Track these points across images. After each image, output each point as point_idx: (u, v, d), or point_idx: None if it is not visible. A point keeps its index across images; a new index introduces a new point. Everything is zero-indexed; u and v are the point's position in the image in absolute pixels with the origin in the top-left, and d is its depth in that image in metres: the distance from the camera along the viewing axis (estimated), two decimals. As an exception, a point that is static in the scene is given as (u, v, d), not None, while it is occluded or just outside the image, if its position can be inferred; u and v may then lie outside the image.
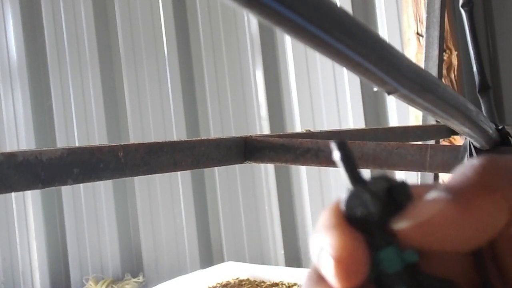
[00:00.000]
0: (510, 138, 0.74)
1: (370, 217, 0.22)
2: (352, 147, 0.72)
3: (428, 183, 0.26)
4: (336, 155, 0.23)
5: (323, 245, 0.22)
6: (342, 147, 0.23)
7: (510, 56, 1.79)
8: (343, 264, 0.21)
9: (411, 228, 0.21)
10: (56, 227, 2.57)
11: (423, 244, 0.21)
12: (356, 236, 0.22)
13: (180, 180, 2.26)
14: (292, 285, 1.77)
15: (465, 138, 0.72)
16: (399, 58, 0.31)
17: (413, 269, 0.22)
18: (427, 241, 0.21)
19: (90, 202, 2.46)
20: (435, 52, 1.34)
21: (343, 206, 0.22)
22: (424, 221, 0.21)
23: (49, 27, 2.54)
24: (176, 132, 2.26)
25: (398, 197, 0.22)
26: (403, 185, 0.22)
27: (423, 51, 1.38)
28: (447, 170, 0.74)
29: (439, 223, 0.21)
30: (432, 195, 0.22)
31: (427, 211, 0.21)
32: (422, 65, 1.34)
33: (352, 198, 0.22)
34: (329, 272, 0.22)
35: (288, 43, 2.05)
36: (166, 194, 2.30)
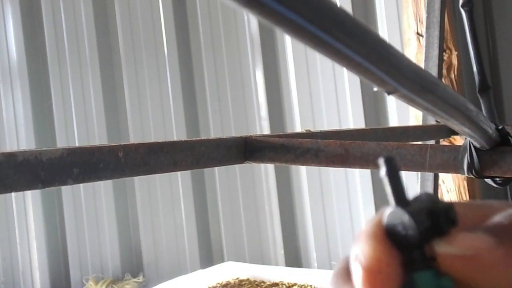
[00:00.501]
0: (510, 138, 0.74)
1: (410, 239, 0.22)
2: (352, 147, 0.72)
3: (472, 203, 0.26)
4: (383, 170, 0.23)
5: (358, 252, 0.23)
6: (389, 163, 0.23)
7: (510, 56, 1.79)
8: (372, 275, 0.22)
9: (457, 257, 0.22)
10: (56, 227, 2.57)
11: (464, 276, 0.22)
12: (392, 253, 0.22)
13: (180, 180, 2.26)
14: (292, 285, 1.77)
15: (465, 138, 0.72)
16: (399, 58, 0.31)
17: None
18: (469, 274, 0.22)
19: (90, 202, 2.46)
20: (435, 52, 1.34)
21: (384, 222, 0.23)
22: (473, 254, 0.22)
23: (49, 27, 2.54)
24: (176, 132, 2.26)
25: (441, 221, 0.22)
26: (447, 208, 0.22)
27: (423, 51, 1.38)
28: (447, 170, 0.74)
29: (486, 261, 0.22)
30: (479, 232, 0.22)
31: (476, 245, 0.22)
32: (422, 65, 1.34)
33: (392, 218, 0.22)
34: (358, 279, 0.22)
35: (288, 43, 2.05)
36: (166, 194, 2.30)
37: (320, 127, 1.97)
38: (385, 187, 0.23)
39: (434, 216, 0.22)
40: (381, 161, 0.23)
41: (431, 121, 1.31)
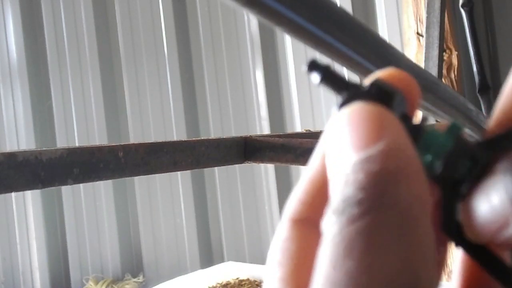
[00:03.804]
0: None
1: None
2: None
3: None
4: (314, 77, 0.20)
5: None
6: (314, 66, 0.20)
7: (510, 56, 1.79)
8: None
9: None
10: (56, 227, 2.57)
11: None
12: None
13: (180, 180, 2.26)
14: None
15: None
16: (399, 58, 0.31)
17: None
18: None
19: (90, 202, 2.46)
20: (435, 52, 1.34)
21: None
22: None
23: (49, 27, 2.54)
24: (176, 132, 2.26)
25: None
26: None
27: (423, 51, 1.38)
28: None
29: None
30: None
31: None
32: (422, 65, 1.34)
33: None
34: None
35: (288, 43, 2.05)
36: (166, 194, 2.30)
37: (320, 127, 1.97)
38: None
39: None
40: (305, 69, 0.20)
41: (431, 121, 1.31)
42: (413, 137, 0.18)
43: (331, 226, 0.16)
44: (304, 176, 0.20)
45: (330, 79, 0.20)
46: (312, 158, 0.20)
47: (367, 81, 0.19)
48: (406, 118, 0.19)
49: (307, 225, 0.19)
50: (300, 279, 0.18)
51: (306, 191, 0.20)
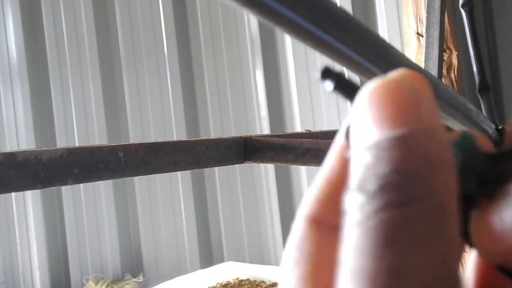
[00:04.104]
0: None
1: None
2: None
3: None
4: (328, 85, 0.19)
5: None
6: (328, 73, 0.19)
7: (510, 56, 1.79)
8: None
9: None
10: (56, 227, 2.57)
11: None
12: None
13: (180, 180, 2.26)
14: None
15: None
16: (399, 58, 0.31)
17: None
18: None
19: (90, 202, 2.46)
20: (435, 52, 1.34)
21: None
22: None
23: (49, 27, 2.54)
24: (176, 132, 2.26)
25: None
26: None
27: (423, 51, 1.38)
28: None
29: None
30: None
31: None
32: (422, 65, 1.34)
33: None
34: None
35: (288, 43, 2.05)
36: (166, 194, 2.30)
37: (320, 127, 1.97)
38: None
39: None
40: (318, 76, 0.20)
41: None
42: None
43: (360, 207, 0.15)
44: (320, 174, 0.19)
45: (344, 86, 0.19)
46: (328, 155, 0.19)
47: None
48: None
49: (324, 225, 0.19)
50: (318, 278, 0.18)
51: (323, 190, 0.19)
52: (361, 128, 0.16)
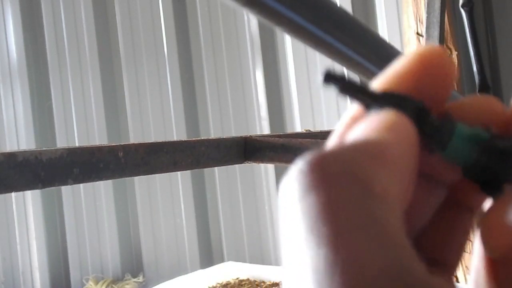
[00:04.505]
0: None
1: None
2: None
3: None
4: (336, 88, 0.21)
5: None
6: (330, 77, 0.21)
7: (510, 56, 1.79)
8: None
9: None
10: (56, 227, 2.57)
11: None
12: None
13: (180, 180, 2.26)
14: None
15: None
16: (399, 58, 0.31)
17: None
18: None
19: (90, 202, 2.46)
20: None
21: None
22: None
23: (49, 27, 2.54)
24: (176, 132, 2.26)
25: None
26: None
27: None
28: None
29: None
30: None
31: None
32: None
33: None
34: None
35: (288, 43, 2.05)
36: (166, 194, 2.30)
37: (320, 127, 1.97)
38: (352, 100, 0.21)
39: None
40: (321, 80, 0.20)
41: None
42: (445, 129, 0.20)
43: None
44: (339, 123, 0.21)
45: (348, 89, 0.20)
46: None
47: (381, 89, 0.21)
48: (424, 114, 0.20)
49: None
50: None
51: (340, 134, 0.21)
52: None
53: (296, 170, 0.18)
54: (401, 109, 0.19)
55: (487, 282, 0.21)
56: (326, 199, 0.16)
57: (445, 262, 0.22)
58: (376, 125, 0.18)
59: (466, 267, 1.29)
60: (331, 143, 0.21)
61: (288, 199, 0.17)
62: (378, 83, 0.21)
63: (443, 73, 0.21)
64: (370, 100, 0.20)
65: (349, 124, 0.21)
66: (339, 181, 0.16)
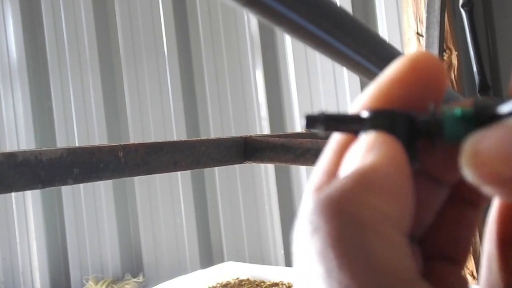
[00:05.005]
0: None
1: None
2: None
3: None
4: (319, 128, 0.21)
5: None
6: (312, 120, 0.21)
7: (510, 56, 1.79)
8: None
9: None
10: (56, 227, 2.57)
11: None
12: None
13: (180, 180, 2.26)
14: (292, 285, 1.77)
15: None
16: (399, 58, 0.31)
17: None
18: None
19: (90, 202, 2.46)
20: (435, 52, 1.34)
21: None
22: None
23: (49, 27, 2.54)
24: (176, 132, 2.26)
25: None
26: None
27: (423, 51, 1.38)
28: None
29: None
30: None
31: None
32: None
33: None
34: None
35: (288, 43, 2.05)
36: (166, 194, 2.30)
37: (320, 127, 1.97)
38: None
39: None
40: (304, 126, 0.21)
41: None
42: (435, 128, 0.20)
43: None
44: (328, 148, 0.22)
45: (332, 124, 0.21)
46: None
47: (364, 110, 0.21)
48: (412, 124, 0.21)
49: None
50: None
51: (330, 161, 0.22)
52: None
53: (305, 212, 0.20)
54: (389, 125, 0.20)
55: (499, 266, 0.21)
56: (329, 237, 0.18)
57: (453, 258, 0.23)
58: (363, 152, 0.20)
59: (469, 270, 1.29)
60: (317, 179, 0.22)
61: (301, 237, 0.20)
62: (371, 92, 0.22)
63: (434, 78, 0.21)
64: (356, 126, 0.21)
65: (335, 155, 0.22)
66: (338, 220, 0.18)
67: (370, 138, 0.20)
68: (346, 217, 0.18)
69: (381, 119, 0.20)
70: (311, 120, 0.21)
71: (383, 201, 0.19)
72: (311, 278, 0.19)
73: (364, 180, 0.19)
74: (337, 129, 0.21)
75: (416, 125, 0.21)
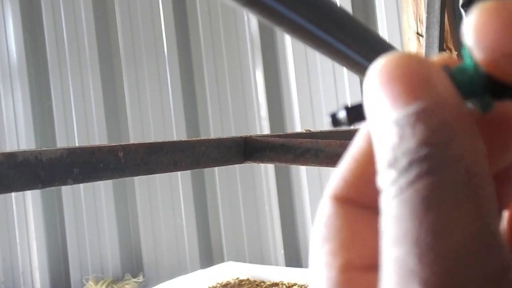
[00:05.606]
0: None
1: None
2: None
3: None
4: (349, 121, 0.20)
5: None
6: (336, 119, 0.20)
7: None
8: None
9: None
10: (56, 227, 2.57)
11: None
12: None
13: (180, 180, 2.26)
14: (292, 285, 1.77)
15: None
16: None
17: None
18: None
19: (90, 202, 2.46)
20: (435, 52, 1.34)
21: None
22: None
23: (49, 27, 2.54)
24: (176, 132, 2.26)
25: None
26: None
27: (423, 51, 1.38)
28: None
29: None
30: None
31: None
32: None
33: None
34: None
35: (288, 43, 2.05)
36: (166, 194, 2.30)
37: (320, 127, 1.97)
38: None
39: None
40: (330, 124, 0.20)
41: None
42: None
43: (393, 183, 0.16)
44: (348, 153, 0.20)
45: (357, 115, 0.20)
46: (357, 135, 0.20)
47: None
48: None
49: (351, 203, 0.20)
50: (349, 253, 0.19)
51: (350, 169, 0.20)
52: (379, 108, 0.17)
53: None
54: None
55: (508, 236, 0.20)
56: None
57: None
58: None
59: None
60: (335, 185, 0.20)
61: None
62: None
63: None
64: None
65: (356, 161, 0.20)
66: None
67: (415, 62, 0.17)
68: (453, 156, 0.16)
69: None
70: (336, 118, 0.20)
71: (476, 139, 0.17)
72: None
73: (449, 112, 0.16)
74: (362, 119, 0.20)
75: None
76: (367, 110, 0.18)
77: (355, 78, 1.91)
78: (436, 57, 0.19)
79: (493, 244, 0.16)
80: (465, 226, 0.15)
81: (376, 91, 0.17)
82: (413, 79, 0.17)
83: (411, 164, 0.16)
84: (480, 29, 0.17)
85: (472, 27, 0.17)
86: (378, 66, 0.17)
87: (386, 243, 0.16)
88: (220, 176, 2.20)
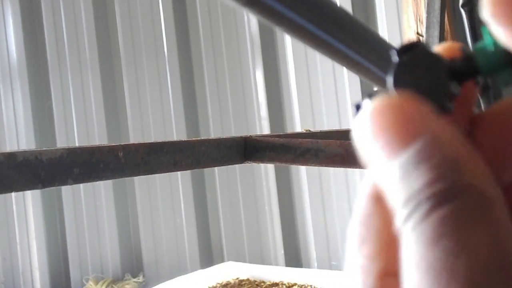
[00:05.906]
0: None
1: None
2: (352, 147, 0.72)
3: None
4: None
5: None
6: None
7: (510, 56, 1.78)
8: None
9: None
10: (56, 227, 2.57)
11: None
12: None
13: (180, 180, 2.26)
14: (292, 285, 1.77)
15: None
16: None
17: None
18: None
19: (90, 202, 2.46)
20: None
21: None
22: None
23: (49, 27, 2.54)
24: (176, 132, 2.26)
25: None
26: None
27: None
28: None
29: None
30: None
31: None
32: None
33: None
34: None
35: (288, 43, 2.05)
36: (166, 194, 2.30)
37: (320, 127, 1.97)
38: None
39: None
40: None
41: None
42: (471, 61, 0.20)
43: (407, 219, 0.17)
44: (361, 194, 0.20)
45: None
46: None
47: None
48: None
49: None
50: (387, 257, 0.18)
51: (367, 210, 0.20)
52: (378, 157, 0.18)
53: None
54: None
55: None
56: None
57: None
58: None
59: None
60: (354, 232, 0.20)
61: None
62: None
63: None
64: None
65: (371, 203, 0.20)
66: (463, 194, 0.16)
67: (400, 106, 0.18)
68: (461, 187, 0.16)
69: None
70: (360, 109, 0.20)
71: (479, 165, 0.17)
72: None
73: (447, 146, 0.17)
74: None
75: (452, 69, 0.20)
76: (364, 158, 0.18)
77: (355, 78, 1.91)
78: (441, 45, 0.20)
79: (510, 262, 0.16)
80: (482, 249, 0.16)
81: (371, 141, 0.18)
82: (404, 123, 0.17)
83: (421, 202, 0.16)
84: (496, 2, 0.17)
85: (488, 2, 0.18)
86: (365, 116, 0.18)
87: (407, 266, 0.16)
88: (220, 176, 2.20)
